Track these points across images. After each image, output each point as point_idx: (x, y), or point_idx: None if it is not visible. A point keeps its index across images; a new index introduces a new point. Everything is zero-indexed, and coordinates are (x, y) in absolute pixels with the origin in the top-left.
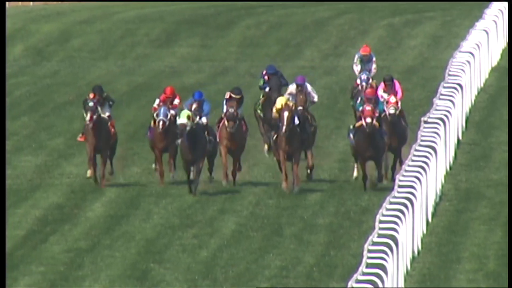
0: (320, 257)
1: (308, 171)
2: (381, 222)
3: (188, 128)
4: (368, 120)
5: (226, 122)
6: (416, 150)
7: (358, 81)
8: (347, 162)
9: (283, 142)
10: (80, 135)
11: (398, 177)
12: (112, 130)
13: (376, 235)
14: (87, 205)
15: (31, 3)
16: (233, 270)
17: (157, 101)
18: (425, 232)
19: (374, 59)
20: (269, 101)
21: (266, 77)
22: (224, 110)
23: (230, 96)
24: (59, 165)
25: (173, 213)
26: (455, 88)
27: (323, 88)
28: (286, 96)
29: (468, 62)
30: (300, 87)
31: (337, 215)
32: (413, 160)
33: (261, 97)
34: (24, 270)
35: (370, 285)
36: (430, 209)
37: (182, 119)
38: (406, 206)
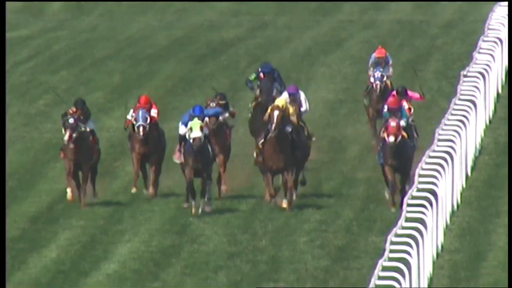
0: (359, 211)
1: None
2: (420, 176)
3: (202, 140)
4: (391, 139)
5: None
6: (455, 104)
7: (372, 80)
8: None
9: (270, 148)
10: (61, 152)
11: (437, 131)
12: (94, 146)
13: (415, 189)
14: (126, 159)
15: None
16: (272, 224)
17: (131, 111)
18: (464, 186)
19: (391, 62)
20: (260, 106)
21: (261, 75)
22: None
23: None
24: (98, 119)
25: (213, 168)
26: (494, 42)
27: (362, 42)
28: (284, 96)
29: (508, 16)
30: (293, 96)
31: (376, 169)
32: (452, 114)
33: (252, 101)
34: (64, 224)
35: (410, 239)
36: (470, 163)
37: (196, 132)
38: (445, 160)
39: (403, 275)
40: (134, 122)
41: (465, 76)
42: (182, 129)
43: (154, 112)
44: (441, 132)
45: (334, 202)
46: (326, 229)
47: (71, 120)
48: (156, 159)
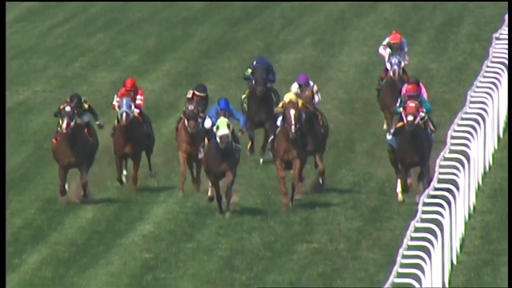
0: (392, 173)
1: (320, 179)
2: (452, 138)
3: (230, 138)
4: (410, 118)
5: (186, 122)
6: (487, 66)
7: (389, 66)
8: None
9: (282, 147)
10: (54, 140)
11: (469, 93)
12: (90, 139)
13: (448, 150)
14: (162, 121)
15: None
16: (306, 185)
17: (115, 97)
18: (496, 147)
19: (406, 48)
20: (254, 95)
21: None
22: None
23: (193, 95)
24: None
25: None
26: None
27: (395, 5)
28: (293, 91)
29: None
30: (304, 86)
31: None
32: (484, 77)
33: (247, 90)
34: (99, 185)
35: (442, 200)
36: (502, 125)
37: (222, 130)
38: (477, 122)
39: (435, 236)
40: (118, 109)
41: (497, 38)
42: (208, 123)
43: (139, 98)
44: (473, 94)
45: (367, 163)
46: (359, 190)
47: (67, 108)
48: (137, 152)
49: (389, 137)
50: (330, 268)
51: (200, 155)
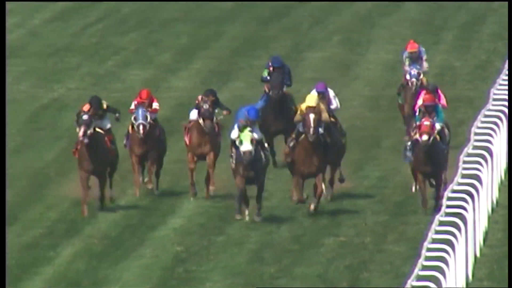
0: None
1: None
2: (476, 134)
3: (253, 153)
4: (425, 137)
5: (201, 121)
6: (510, 64)
7: (408, 77)
8: (442, 76)
9: (303, 152)
10: (74, 150)
11: (492, 90)
12: (111, 146)
13: (471, 146)
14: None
15: None
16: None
17: (133, 105)
18: None
19: (424, 56)
20: (269, 100)
21: (271, 69)
22: (191, 116)
23: (202, 99)
24: (166, 79)
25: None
26: None
27: (421, 5)
28: (313, 94)
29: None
30: (322, 95)
31: None
32: (507, 74)
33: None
34: (132, 180)
35: (465, 195)
36: None
37: (246, 145)
38: (500, 119)
39: (459, 230)
40: (134, 121)
41: None
42: (234, 134)
43: (155, 105)
44: (495, 91)
45: (392, 159)
46: (385, 185)
47: (85, 117)
48: (156, 156)
49: (408, 153)
50: (357, 261)
51: (232, 165)
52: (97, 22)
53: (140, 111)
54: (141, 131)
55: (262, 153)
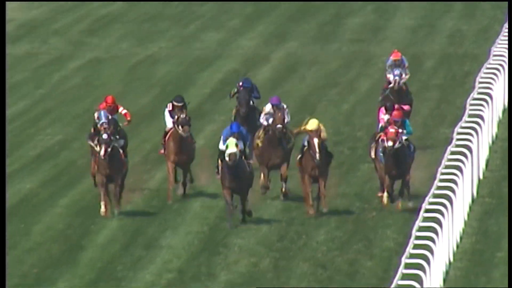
0: (434, 109)
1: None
2: (479, 83)
3: (237, 157)
4: (390, 143)
5: (179, 128)
6: (505, 28)
7: (391, 77)
8: (453, 38)
9: (310, 164)
10: (93, 162)
11: (492, 49)
12: (124, 159)
13: (476, 93)
14: (257, 71)
15: None
16: (365, 121)
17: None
18: None
19: (406, 64)
20: (239, 115)
21: (241, 88)
22: (168, 124)
23: (173, 106)
24: (235, 40)
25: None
26: None
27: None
28: (313, 120)
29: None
30: (276, 107)
31: (447, 78)
32: (503, 36)
33: (234, 108)
34: (209, 119)
35: (472, 130)
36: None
37: (231, 149)
38: (499, 71)
39: (467, 158)
40: (97, 121)
41: None
42: (221, 145)
43: (123, 111)
44: (495, 49)
45: (414, 103)
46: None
47: (105, 136)
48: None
49: (378, 154)
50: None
51: (217, 176)
52: None
53: (102, 113)
54: (102, 153)
55: (246, 166)
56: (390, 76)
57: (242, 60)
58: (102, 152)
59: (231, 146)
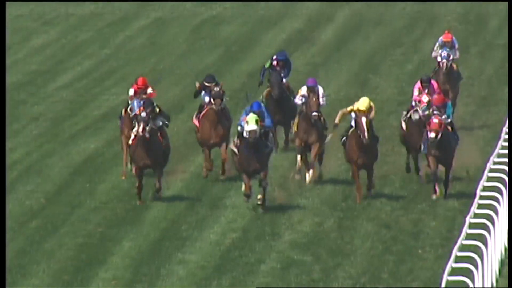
0: (499, 67)
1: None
2: None
3: (257, 134)
4: (432, 135)
5: (212, 101)
6: None
7: (439, 59)
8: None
9: (357, 150)
10: (130, 141)
11: None
12: (162, 141)
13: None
14: (321, 31)
15: None
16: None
17: (131, 91)
18: None
19: (457, 46)
20: (271, 99)
21: (275, 63)
22: (206, 100)
23: (204, 87)
24: (299, 0)
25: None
26: None
27: None
28: (364, 98)
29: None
30: (311, 90)
31: None
32: None
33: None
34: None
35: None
36: None
37: (251, 125)
38: None
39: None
40: (130, 112)
41: None
42: (242, 120)
43: (150, 90)
44: None
45: (478, 62)
46: (472, 83)
47: (143, 114)
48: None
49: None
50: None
51: (235, 158)
52: None
53: (135, 102)
54: (141, 129)
55: (266, 144)
56: (438, 57)
57: (306, 20)
58: (140, 129)
59: (251, 122)
